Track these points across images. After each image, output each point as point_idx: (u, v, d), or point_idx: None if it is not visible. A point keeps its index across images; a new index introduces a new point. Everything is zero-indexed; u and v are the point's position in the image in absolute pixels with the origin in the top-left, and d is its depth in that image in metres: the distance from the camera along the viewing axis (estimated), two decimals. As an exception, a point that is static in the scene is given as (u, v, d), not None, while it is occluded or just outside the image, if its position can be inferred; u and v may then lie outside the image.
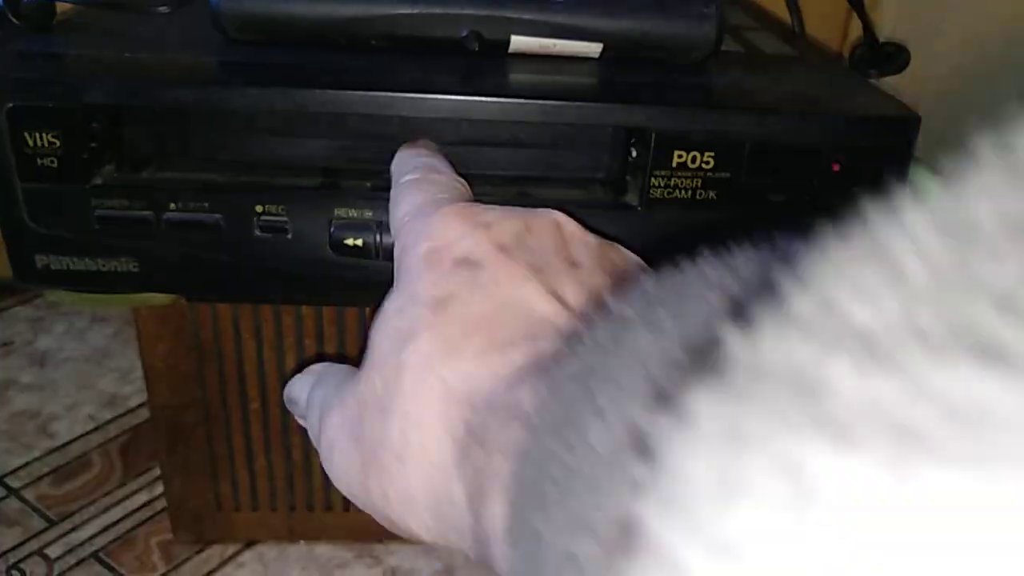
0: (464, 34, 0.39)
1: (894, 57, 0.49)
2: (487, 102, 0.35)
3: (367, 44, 0.39)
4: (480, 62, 0.39)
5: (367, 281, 0.38)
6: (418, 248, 0.24)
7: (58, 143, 0.35)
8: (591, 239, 0.24)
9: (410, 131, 0.36)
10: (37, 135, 0.35)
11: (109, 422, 0.69)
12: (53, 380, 0.73)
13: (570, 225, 0.25)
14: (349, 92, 0.35)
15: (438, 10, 0.38)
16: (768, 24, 0.52)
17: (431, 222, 0.24)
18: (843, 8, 0.71)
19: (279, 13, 0.38)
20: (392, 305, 0.24)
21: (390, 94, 0.35)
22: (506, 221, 0.24)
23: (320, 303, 0.42)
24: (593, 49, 0.40)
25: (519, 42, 0.39)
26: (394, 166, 0.31)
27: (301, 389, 0.29)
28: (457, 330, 0.21)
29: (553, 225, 0.24)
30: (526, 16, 0.38)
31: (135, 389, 0.72)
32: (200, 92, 0.35)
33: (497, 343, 0.21)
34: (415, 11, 0.38)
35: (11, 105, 0.34)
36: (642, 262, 0.25)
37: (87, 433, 0.68)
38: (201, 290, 0.39)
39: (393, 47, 0.39)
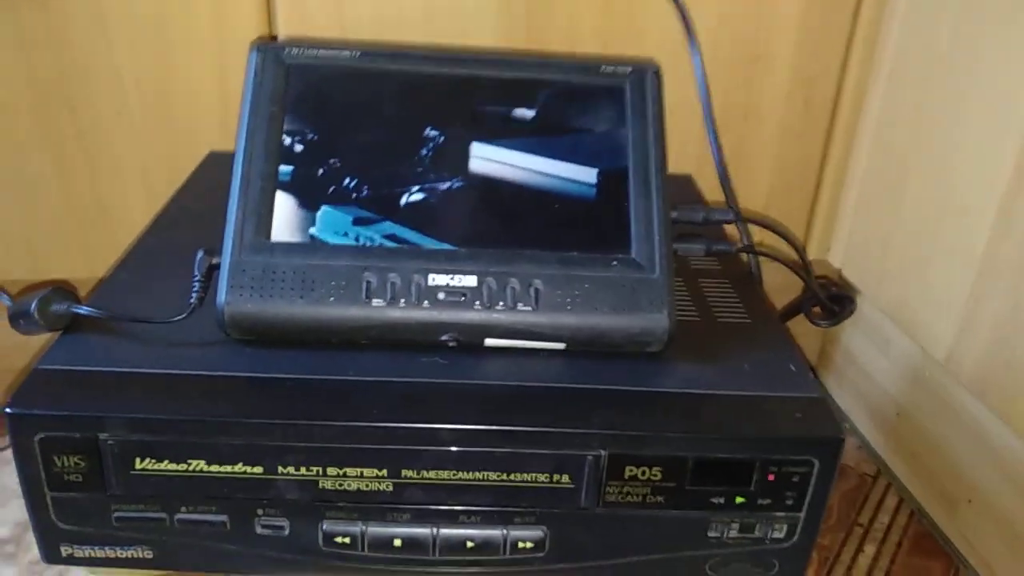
0: (444, 338, 0.43)
1: (842, 306, 0.53)
2: (461, 430, 0.40)
3: (358, 343, 0.44)
4: (458, 366, 0.43)
5: (354, 569, 0.43)
6: None
7: (83, 464, 0.40)
8: None
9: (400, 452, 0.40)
10: (65, 458, 0.40)
11: None
12: None
13: None
14: (340, 424, 0.39)
15: (422, 318, 0.43)
16: (729, 272, 0.56)
17: None
18: (811, 184, 0.75)
19: (275, 318, 0.43)
20: None
21: (379, 425, 0.40)
22: None
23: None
24: (557, 345, 0.44)
25: (493, 341, 0.44)
26: None
27: None
28: None
29: None
30: (497, 323, 0.43)
31: None
32: (204, 432, 0.39)
33: None
34: (401, 318, 0.43)
35: (42, 436, 0.39)
36: None
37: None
38: (208, 569, 0.44)
39: (382, 346, 0.44)
